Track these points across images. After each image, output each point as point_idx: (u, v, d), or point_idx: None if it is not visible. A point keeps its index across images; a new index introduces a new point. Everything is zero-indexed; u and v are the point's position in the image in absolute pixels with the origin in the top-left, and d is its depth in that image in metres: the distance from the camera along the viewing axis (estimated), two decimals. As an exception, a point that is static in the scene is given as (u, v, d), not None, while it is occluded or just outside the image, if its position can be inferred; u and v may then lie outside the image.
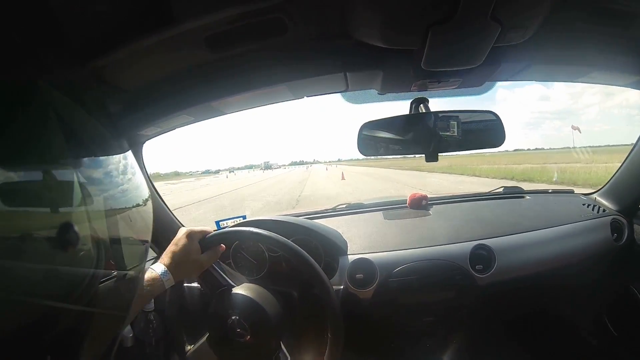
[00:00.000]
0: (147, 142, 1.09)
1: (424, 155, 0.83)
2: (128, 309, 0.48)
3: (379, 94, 0.90)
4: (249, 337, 0.85)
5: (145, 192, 0.48)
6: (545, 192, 1.67)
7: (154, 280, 0.79)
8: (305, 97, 0.89)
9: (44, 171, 0.31)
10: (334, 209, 1.53)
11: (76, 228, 0.32)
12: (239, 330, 0.85)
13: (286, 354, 0.95)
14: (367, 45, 0.65)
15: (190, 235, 0.88)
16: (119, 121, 0.86)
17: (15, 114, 0.29)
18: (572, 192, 1.66)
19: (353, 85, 0.83)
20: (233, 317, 0.86)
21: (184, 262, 0.85)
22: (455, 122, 0.83)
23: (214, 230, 1.20)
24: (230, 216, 1.37)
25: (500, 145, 0.86)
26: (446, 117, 0.83)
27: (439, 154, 0.83)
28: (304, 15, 0.61)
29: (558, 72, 0.90)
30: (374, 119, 0.85)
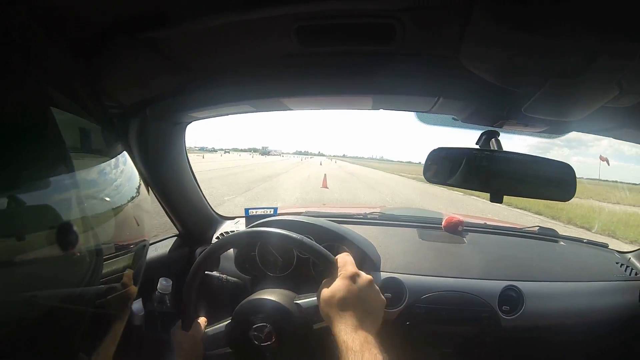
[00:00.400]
0: (192, 122, 1.07)
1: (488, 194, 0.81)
2: (128, 308, 0.48)
3: (454, 119, 0.87)
4: (274, 339, 0.82)
5: (142, 188, 0.47)
6: (580, 240, 1.63)
7: None
8: (382, 109, 0.86)
9: (43, 170, 0.31)
10: (364, 216, 1.52)
11: (75, 227, 0.32)
12: (264, 335, 0.82)
13: None
14: (473, 76, 0.60)
15: (176, 330, 0.88)
16: (171, 98, 0.82)
17: (12, 111, 0.29)
18: (606, 246, 1.62)
19: (439, 109, 0.80)
20: (255, 325, 0.82)
21: (184, 356, 0.84)
22: (530, 167, 0.80)
23: (243, 217, 1.16)
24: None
25: (567, 200, 0.82)
26: (521, 160, 0.80)
27: (504, 195, 0.81)
28: (418, 28, 0.55)
29: None
30: (446, 146, 0.82)
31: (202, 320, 0.91)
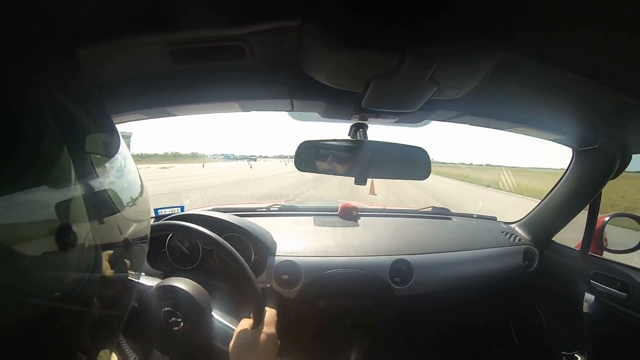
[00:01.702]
0: None
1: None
2: (128, 307, 0.48)
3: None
4: (182, 324, 0.87)
5: (141, 186, 0.48)
6: (470, 216, 1.83)
7: None
8: (252, 111, 0.94)
9: (40, 168, 0.30)
10: (267, 209, 1.58)
11: (74, 226, 0.32)
12: (172, 319, 0.88)
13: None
14: (314, 80, 0.70)
15: None
16: None
17: (10, 109, 0.28)
18: (494, 219, 1.84)
19: (298, 107, 0.89)
20: (165, 309, 0.88)
21: None
22: (389, 152, 0.90)
23: (152, 217, 1.17)
24: (167, 205, 1.40)
25: (425, 178, 0.94)
26: (379, 146, 0.89)
27: (367, 178, 0.90)
28: (262, 47, 0.67)
29: (489, 123, 1.02)
30: (313, 139, 0.89)
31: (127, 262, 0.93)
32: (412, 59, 0.56)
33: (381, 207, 1.77)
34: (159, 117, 1.01)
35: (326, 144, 0.88)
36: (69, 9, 0.52)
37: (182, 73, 0.78)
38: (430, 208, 1.78)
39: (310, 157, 0.88)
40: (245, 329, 0.84)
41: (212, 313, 0.93)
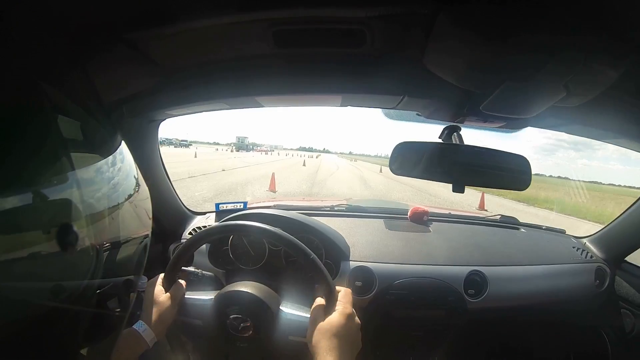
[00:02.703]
0: (166, 119, 1.07)
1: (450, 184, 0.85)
2: (128, 307, 0.48)
3: (417, 115, 0.90)
4: (251, 332, 0.85)
5: (142, 184, 0.47)
6: (539, 227, 1.73)
7: (132, 337, 0.75)
8: (350, 106, 0.88)
9: (42, 168, 0.30)
10: (332, 208, 1.55)
11: (74, 227, 0.32)
12: (242, 325, 0.85)
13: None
14: (435, 76, 0.64)
15: (150, 282, 0.88)
16: (149, 96, 0.83)
17: (10, 110, 0.28)
18: (564, 232, 1.73)
19: (404, 106, 0.83)
20: (232, 316, 0.85)
21: (154, 309, 0.82)
22: (489, 159, 0.84)
23: (213, 212, 1.15)
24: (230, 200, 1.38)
25: (524, 189, 0.88)
26: (480, 153, 0.84)
27: (466, 186, 0.85)
28: (386, 34, 0.60)
29: (592, 132, 0.94)
30: (409, 140, 0.85)
31: (183, 283, 0.92)
32: (557, 61, 0.50)
33: (447, 212, 1.70)
34: (244, 108, 0.96)
35: (424, 145, 0.83)
36: None
37: (281, 59, 0.71)
38: (499, 216, 1.70)
39: (406, 160, 0.84)
40: (319, 314, 0.78)
41: (281, 307, 0.89)
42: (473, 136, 0.94)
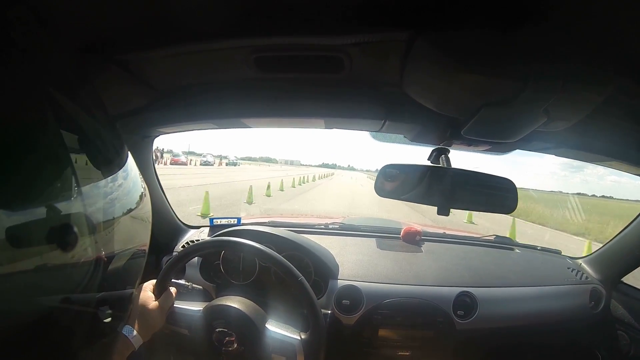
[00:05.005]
0: (159, 136, 1.09)
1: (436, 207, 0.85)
2: (127, 310, 0.48)
3: (405, 137, 0.91)
4: (235, 345, 0.86)
5: (144, 193, 0.48)
6: (534, 248, 1.71)
7: (121, 342, 0.76)
8: (335, 129, 0.90)
9: (43, 174, 0.31)
10: (326, 226, 1.54)
11: (75, 230, 0.32)
12: (226, 339, 0.86)
13: None
14: (414, 101, 0.65)
15: (139, 288, 0.88)
16: (140, 114, 0.86)
17: (13, 114, 0.29)
18: (559, 252, 1.71)
19: (387, 129, 0.85)
20: (218, 329, 0.86)
21: (143, 315, 0.83)
22: (474, 182, 0.84)
23: (207, 226, 1.17)
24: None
25: (511, 212, 0.87)
26: (466, 175, 0.84)
27: (451, 209, 0.85)
28: (364, 60, 0.61)
29: (582, 155, 0.94)
30: (396, 162, 0.85)
31: (173, 291, 0.94)
32: (533, 89, 0.51)
33: (441, 232, 1.69)
34: (230, 128, 0.99)
35: (410, 167, 0.84)
36: (149, 8, 0.50)
37: (264, 82, 0.73)
38: (493, 236, 1.68)
39: (391, 182, 0.85)
40: None
41: (267, 325, 0.91)
42: (470, 155, 0.94)
